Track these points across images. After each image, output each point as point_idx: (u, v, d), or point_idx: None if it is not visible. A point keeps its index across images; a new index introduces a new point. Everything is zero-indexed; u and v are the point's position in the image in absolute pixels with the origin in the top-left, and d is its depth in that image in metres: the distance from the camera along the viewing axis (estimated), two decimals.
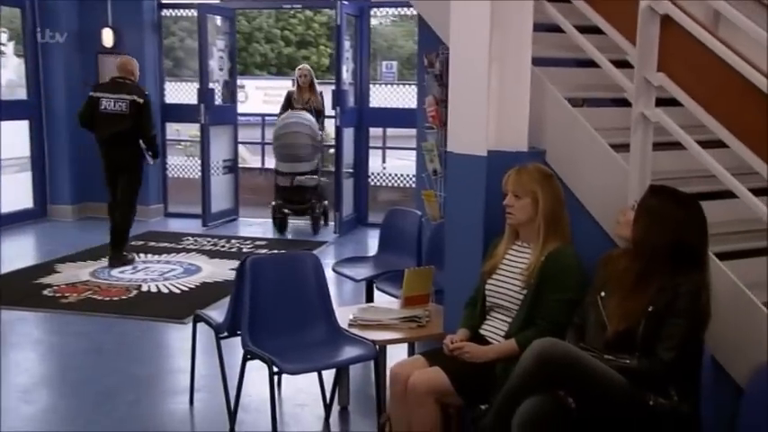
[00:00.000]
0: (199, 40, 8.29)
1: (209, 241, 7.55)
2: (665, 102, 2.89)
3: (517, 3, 3.04)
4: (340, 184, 7.96)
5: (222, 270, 6.42)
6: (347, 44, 8.03)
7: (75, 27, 8.40)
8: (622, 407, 2.41)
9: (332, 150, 8.80)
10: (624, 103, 3.15)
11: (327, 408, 3.74)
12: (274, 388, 3.16)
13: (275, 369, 3.15)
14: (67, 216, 8.55)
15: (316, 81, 8.44)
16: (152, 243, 7.31)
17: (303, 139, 7.74)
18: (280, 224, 8.03)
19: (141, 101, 6.37)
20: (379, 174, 9.22)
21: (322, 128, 8.23)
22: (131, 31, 8.46)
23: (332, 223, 8.11)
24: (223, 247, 7.35)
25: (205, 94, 8.17)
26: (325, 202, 8.15)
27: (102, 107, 6.34)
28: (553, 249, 2.85)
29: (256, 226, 8.38)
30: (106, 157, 6.45)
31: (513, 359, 2.69)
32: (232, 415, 3.48)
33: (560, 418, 2.41)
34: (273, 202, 8.04)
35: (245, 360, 3.33)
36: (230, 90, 8.80)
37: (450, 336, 3.01)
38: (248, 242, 7.58)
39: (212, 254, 7.03)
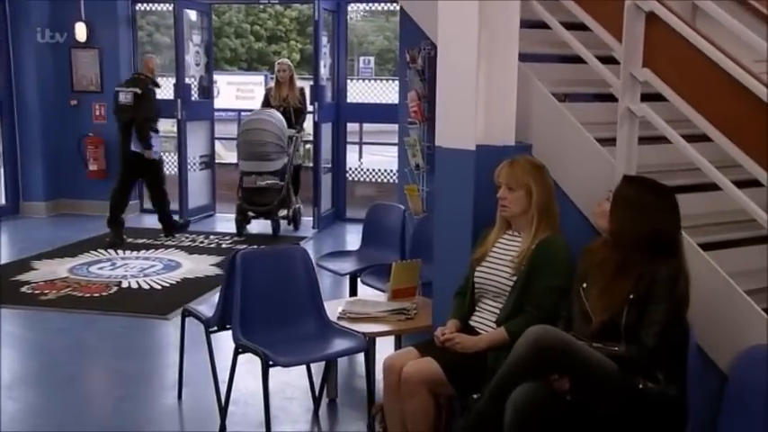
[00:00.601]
0: (175, 35, 8.20)
1: (187, 237, 7.51)
2: (650, 97, 2.97)
3: (504, 2, 3.09)
4: (318, 180, 7.96)
5: (202, 266, 6.41)
6: (324, 39, 8.03)
7: (47, 21, 8.29)
8: (614, 391, 2.48)
9: (309, 146, 8.78)
10: (607, 98, 3.22)
11: (316, 400, 3.78)
12: (268, 381, 3.18)
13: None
14: (41, 213, 8.44)
15: (296, 77, 8.26)
16: (130, 239, 7.25)
17: (267, 136, 7.42)
18: (239, 225, 7.70)
19: (140, 92, 6.93)
20: (356, 169, 9.25)
21: (301, 127, 7.99)
22: (105, 25, 8.39)
23: (308, 219, 8.06)
24: (202, 242, 7.33)
25: (182, 89, 8.12)
26: (298, 206, 7.90)
27: (119, 100, 7.12)
28: (544, 238, 2.90)
29: (234, 221, 8.33)
30: (120, 144, 7.27)
31: (504, 348, 2.75)
32: (223, 409, 3.50)
33: (553, 404, 2.47)
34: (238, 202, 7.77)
35: (236, 354, 3.35)
36: (206, 85, 8.76)
37: (441, 327, 3.05)
38: (227, 238, 7.56)
39: (191, 249, 7.00)
